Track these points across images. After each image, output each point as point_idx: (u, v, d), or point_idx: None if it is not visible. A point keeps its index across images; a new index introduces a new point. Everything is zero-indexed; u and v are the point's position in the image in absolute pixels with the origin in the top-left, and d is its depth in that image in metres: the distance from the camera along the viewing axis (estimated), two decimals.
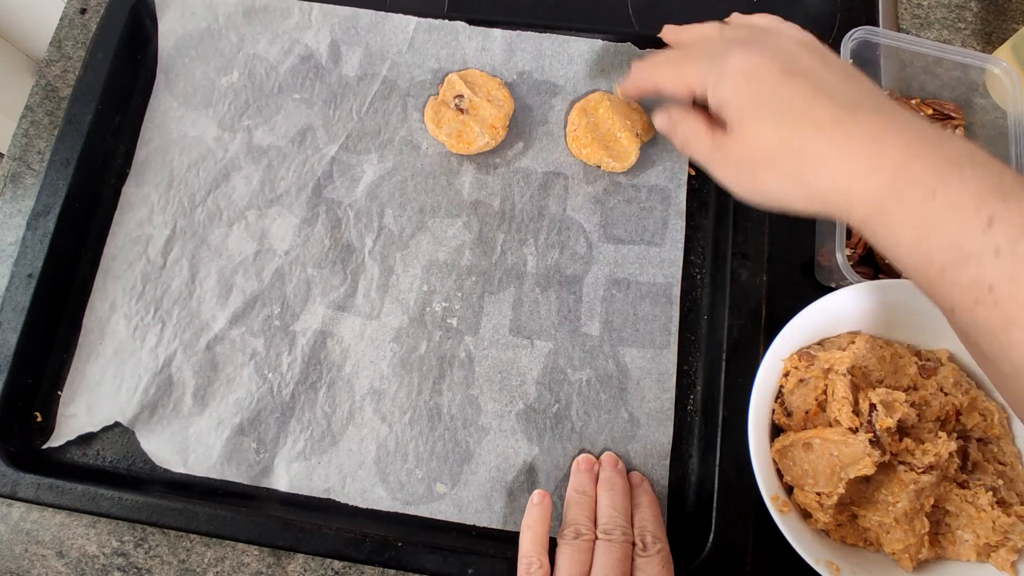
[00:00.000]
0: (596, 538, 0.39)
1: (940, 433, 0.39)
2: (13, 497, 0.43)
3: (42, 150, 0.54)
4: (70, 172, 0.48)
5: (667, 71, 0.39)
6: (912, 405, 0.40)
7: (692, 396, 0.46)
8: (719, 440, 0.42)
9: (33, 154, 0.54)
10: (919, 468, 0.37)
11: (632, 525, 0.40)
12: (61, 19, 0.58)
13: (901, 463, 0.38)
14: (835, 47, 0.54)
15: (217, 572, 0.45)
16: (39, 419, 0.46)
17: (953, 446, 0.38)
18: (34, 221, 0.47)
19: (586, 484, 0.42)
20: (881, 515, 0.39)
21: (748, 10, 0.40)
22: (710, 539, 0.40)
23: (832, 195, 0.32)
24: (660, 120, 0.41)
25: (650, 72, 0.40)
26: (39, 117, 0.55)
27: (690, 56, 0.39)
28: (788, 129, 0.33)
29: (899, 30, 0.55)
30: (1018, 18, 0.55)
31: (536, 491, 0.42)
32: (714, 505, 0.41)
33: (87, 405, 0.46)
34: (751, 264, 0.45)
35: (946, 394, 0.41)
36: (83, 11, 0.58)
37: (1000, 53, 0.51)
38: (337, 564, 0.45)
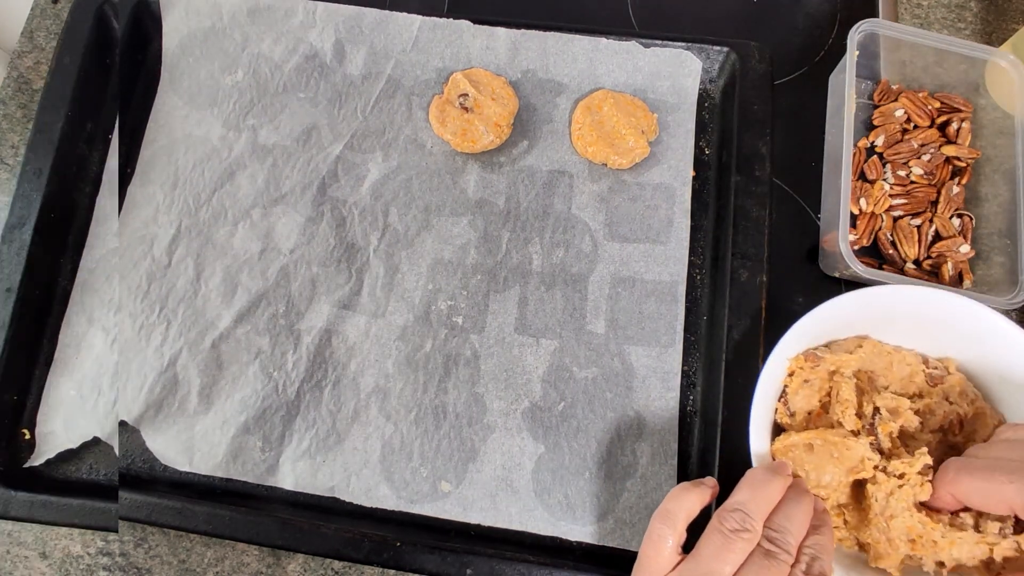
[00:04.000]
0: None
1: (922, 450, 0.37)
2: (5, 517, 0.42)
3: (15, 144, 0.53)
4: (43, 182, 0.47)
5: (975, 482, 0.35)
6: (916, 413, 0.39)
7: (692, 396, 0.46)
8: (719, 440, 0.42)
9: (7, 148, 0.53)
10: (895, 473, 0.37)
11: (800, 549, 0.34)
12: (32, 8, 0.56)
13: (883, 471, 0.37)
14: (836, 46, 0.55)
15: (217, 572, 0.45)
16: (27, 436, 0.45)
17: (929, 460, 0.37)
18: (9, 234, 0.46)
19: (776, 477, 0.36)
20: (870, 527, 0.38)
21: (748, 10, 0.40)
22: None
23: None
24: None
25: (952, 484, 0.36)
26: (11, 111, 0.54)
27: (1002, 469, 0.34)
28: None
29: None
30: (1018, 18, 0.56)
31: (709, 478, 0.38)
32: (713, 505, 0.41)
33: (63, 421, 0.45)
34: (751, 264, 0.45)
35: (951, 403, 0.40)
36: (55, 1, 0.57)
37: None
38: (337, 564, 0.45)
